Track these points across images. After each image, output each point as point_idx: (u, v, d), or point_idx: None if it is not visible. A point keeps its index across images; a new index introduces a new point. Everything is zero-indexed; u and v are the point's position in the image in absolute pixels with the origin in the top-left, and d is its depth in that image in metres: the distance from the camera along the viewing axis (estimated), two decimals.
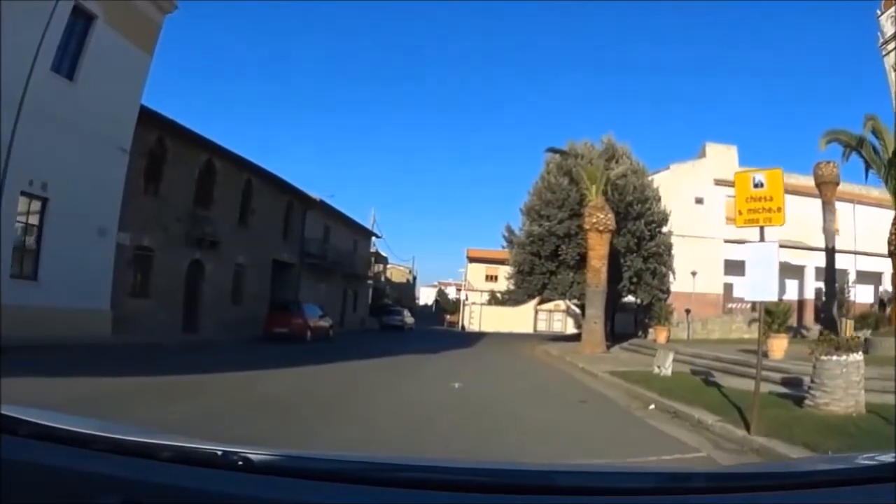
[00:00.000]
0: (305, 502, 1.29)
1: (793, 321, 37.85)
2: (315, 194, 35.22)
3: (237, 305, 27.82)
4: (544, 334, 50.12)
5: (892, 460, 1.46)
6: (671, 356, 16.15)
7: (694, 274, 34.46)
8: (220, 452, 1.41)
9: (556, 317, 58.87)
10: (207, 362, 15.46)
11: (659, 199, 31.07)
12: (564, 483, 1.42)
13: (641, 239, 29.69)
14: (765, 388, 13.28)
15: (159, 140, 23.55)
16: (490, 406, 9.99)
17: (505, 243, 32.94)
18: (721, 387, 12.95)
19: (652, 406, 11.16)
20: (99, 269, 20.14)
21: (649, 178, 31.75)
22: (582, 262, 29.18)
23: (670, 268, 31.52)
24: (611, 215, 24.92)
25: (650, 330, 33.33)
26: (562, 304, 56.53)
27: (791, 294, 40.86)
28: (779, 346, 18.94)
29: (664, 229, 31.17)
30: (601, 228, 24.31)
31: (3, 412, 1.46)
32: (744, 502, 1.36)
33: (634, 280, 29.79)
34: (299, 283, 33.75)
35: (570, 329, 54.13)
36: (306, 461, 1.48)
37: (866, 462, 1.56)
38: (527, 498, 1.33)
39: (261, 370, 13.78)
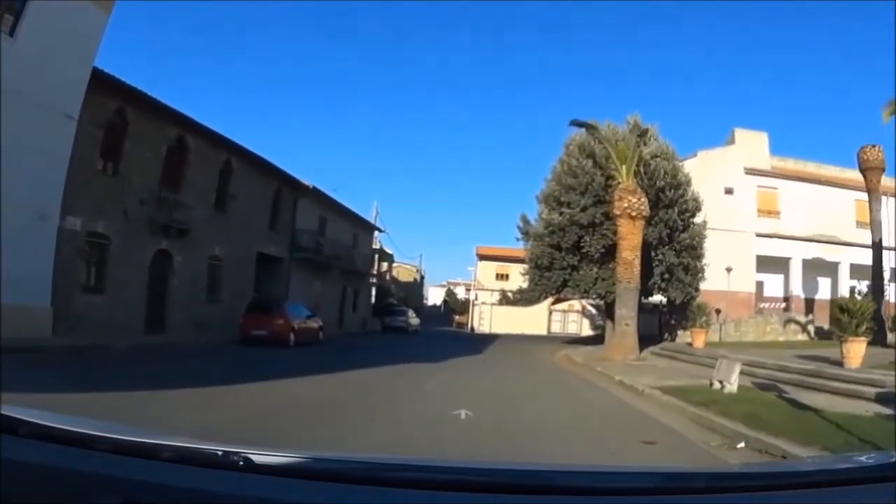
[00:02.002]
0: (305, 502, 1.29)
1: (824, 322, 35.18)
2: (309, 182, 31.64)
3: (213, 304, 24.34)
4: (559, 336, 46.85)
5: (893, 460, 1.46)
6: (738, 368, 12.68)
7: (729, 270, 31.25)
8: (220, 452, 1.40)
9: (570, 318, 55.48)
10: (138, 372, 12.11)
11: (690, 184, 27.45)
12: (564, 483, 1.41)
13: (674, 229, 26.07)
14: (856, 406, 10.15)
15: (120, 111, 20.30)
16: (516, 458, 6.38)
17: (519, 235, 28.96)
18: (817, 410, 9.71)
19: (741, 444, 7.71)
20: (38, 258, 16.92)
21: (679, 163, 28.15)
22: (607, 255, 25.73)
23: (702, 263, 27.90)
24: (644, 199, 21.35)
25: (677, 332, 30.51)
26: (576, 304, 53.34)
27: (824, 293, 38.58)
28: (856, 352, 15.54)
29: (697, 219, 27.54)
30: (634, 214, 20.71)
31: (2, 412, 1.45)
32: (744, 502, 1.37)
33: (666, 276, 26.18)
34: (289, 279, 30.17)
35: (586, 331, 51.12)
36: (306, 461, 1.43)
37: (866, 462, 1.56)
38: (527, 498, 1.32)
39: (205, 386, 10.33)
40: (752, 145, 37.98)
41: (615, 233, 24.28)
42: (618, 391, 13.15)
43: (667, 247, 25.92)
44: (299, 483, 1.32)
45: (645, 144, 24.77)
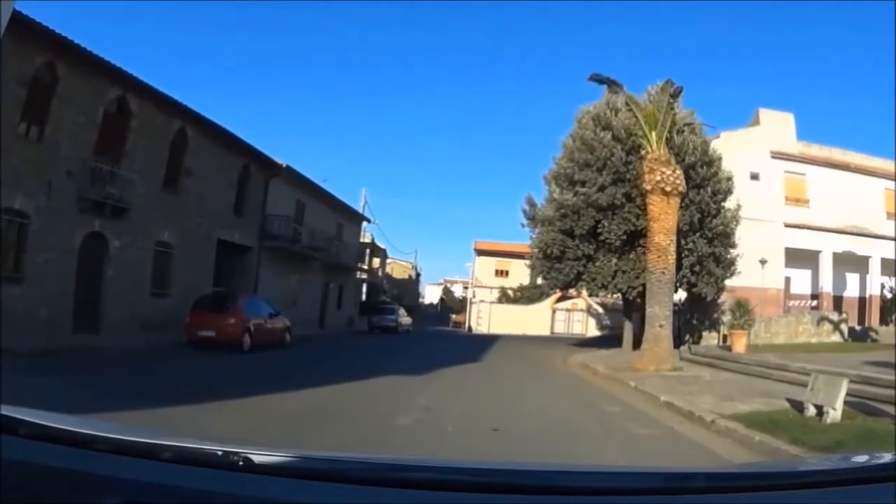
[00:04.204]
0: (305, 502, 1.27)
1: (853, 322, 31.87)
2: (282, 160, 27.73)
3: (161, 298, 20.47)
4: (564, 337, 43.15)
5: (892, 460, 1.43)
6: (845, 386, 8.96)
7: (763, 262, 27.60)
8: (220, 452, 1.38)
9: (575, 317, 51.59)
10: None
11: (722, 162, 23.70)
12: (564, 483, 1.39)
13: (705, 214, 22.32)
14: None
15: (49, 65, 16.71)
16: None
17: (525, 221, 24.85)
18: None
19: None
20: None
21: (709, 138, 24.41)
22: (629, 242, 22.01)
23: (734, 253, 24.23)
24: (679, 171, 17.53)
25: (702, 334, 27.06)
26: (580, 302, 49.63)
27: (852, 290, 35.39)
28: None
29: (728, 203, 23.79)
30: (668, 189, 16.92)
31: (2, 412, 1.42)
32: (744, 502, 1.35)
33: (696, 268, 22.44)
34: (258, 272, 26.26)
35: (592, 331, 47.38)
36: (306, 461, 1.41)
37: (866, 462, 1.54)
38: (527, 498, 1.31)
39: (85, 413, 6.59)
40: (778, 127, 34.56)
41: (639, 216, 20.61)
42: (675, 422, 9.27)
43: (698, 233, 22.20)
44: (299, 483, 1.31)
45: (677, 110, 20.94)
